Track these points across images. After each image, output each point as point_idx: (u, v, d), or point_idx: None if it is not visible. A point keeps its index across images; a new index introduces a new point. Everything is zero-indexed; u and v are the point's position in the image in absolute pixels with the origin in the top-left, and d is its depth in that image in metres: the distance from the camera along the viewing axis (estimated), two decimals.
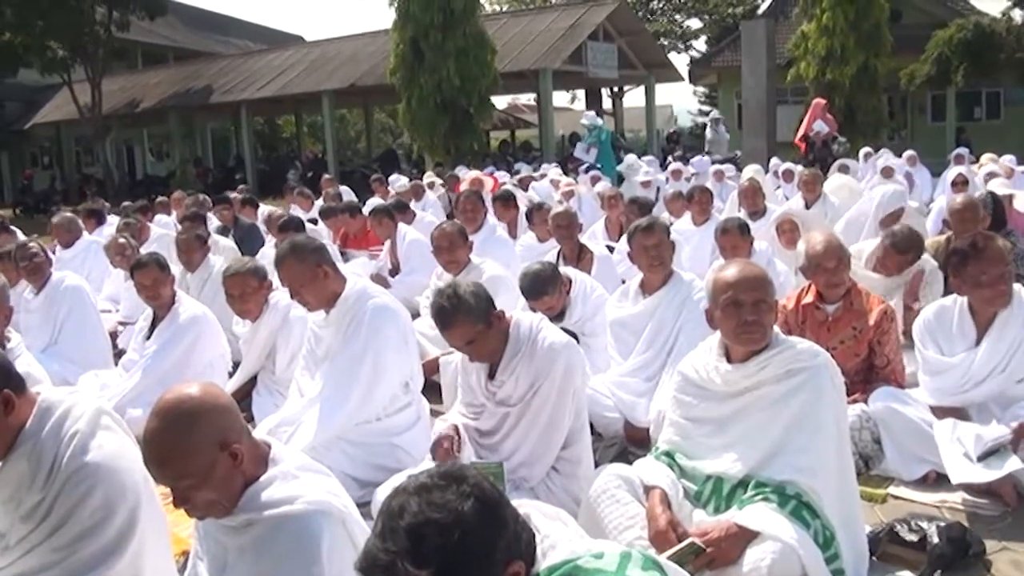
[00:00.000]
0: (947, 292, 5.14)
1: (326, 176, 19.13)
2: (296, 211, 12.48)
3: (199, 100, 32.69)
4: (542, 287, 5.02)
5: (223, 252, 8.59)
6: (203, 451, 2.30)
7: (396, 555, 1.74)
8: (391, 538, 1.76)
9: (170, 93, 33.63)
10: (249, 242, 9.24)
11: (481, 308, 3.62)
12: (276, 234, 7.80)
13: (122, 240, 7.97)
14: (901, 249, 5.69)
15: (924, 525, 3.42)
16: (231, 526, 2.42)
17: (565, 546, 1.97)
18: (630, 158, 16.64)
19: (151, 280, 5.49)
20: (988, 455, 3.87)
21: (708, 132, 23.92)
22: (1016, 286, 4.23)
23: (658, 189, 14.14)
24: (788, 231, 7.21)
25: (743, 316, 3.08)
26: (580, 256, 6.66)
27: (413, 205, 12.26)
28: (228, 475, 2.35)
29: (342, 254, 8.91)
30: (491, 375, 3.81)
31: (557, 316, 5.10)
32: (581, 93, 41.28)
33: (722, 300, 3.13)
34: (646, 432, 4.61)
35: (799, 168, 13.00)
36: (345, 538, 2.40)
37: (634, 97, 37.92)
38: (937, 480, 4.12)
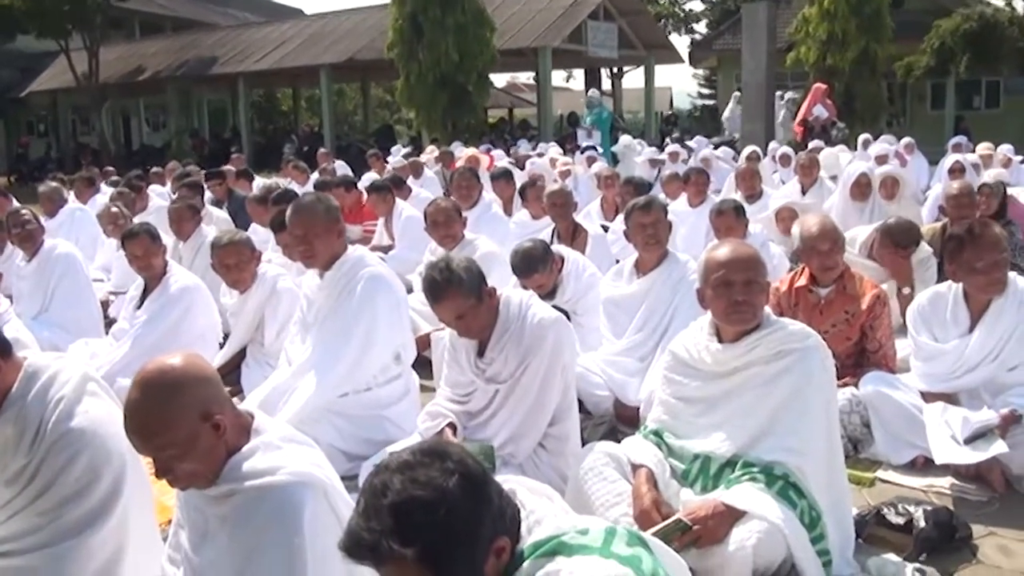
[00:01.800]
0: (941, 279, 5.13)
1: (322, 150, 19.07)
2: (292, 184, 12.43)
3: (197, 71, 32.49)
4: (532, 265, 5.01)
5: (217, 224, 8.56)
6: (185, 422, 2.28)
7: (380, 534, 1.73)
8: (375, 517, 1.75)
9: (167, 63, 33.41)
10: (243, 215, 9.18)
11: (473, 283, 3.60)
12: (270, 207, 7.74)
13: (115, 209, 7.94)
14: (901, 244, 5.69)
15: (911, 509, 3.43)
16: (212, 496, 2.40)
17: (550, 522, 1.96)
18: (625, 139, 16.60)
19: (142, 250, 5.46)
20: (975, 438, 3.87)
21: (729, 108, 23.33)
22: (1012, 275, 4.23)
23: (657, 171, 14.11)
24: (786, 219, 7.22)
25: (733, 296, 3.08)
26: (575, 235, 6.64)
27: (411, 182, 12.22)
28: (210, 446, 2.33)
29: None
30: (480, 353, 3.80)
31: (548, 294, 5.10)
32: (579, 73, 41.13)
33: (713, 279, 3.12)
34: (636, 411, 4.62)
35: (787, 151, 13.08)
36: (327, 510, 2.39)
37: (633, 78, 37.78)
38: (925, 465, 4.12)
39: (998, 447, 3.81)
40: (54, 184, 10.05)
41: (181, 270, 5.73)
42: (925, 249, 5.80)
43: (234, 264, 5.33)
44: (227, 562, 2.37)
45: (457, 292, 3.57)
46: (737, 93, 23.42)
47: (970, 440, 3.88)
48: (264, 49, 31.80)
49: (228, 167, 13.49)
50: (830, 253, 4.63)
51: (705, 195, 8.69)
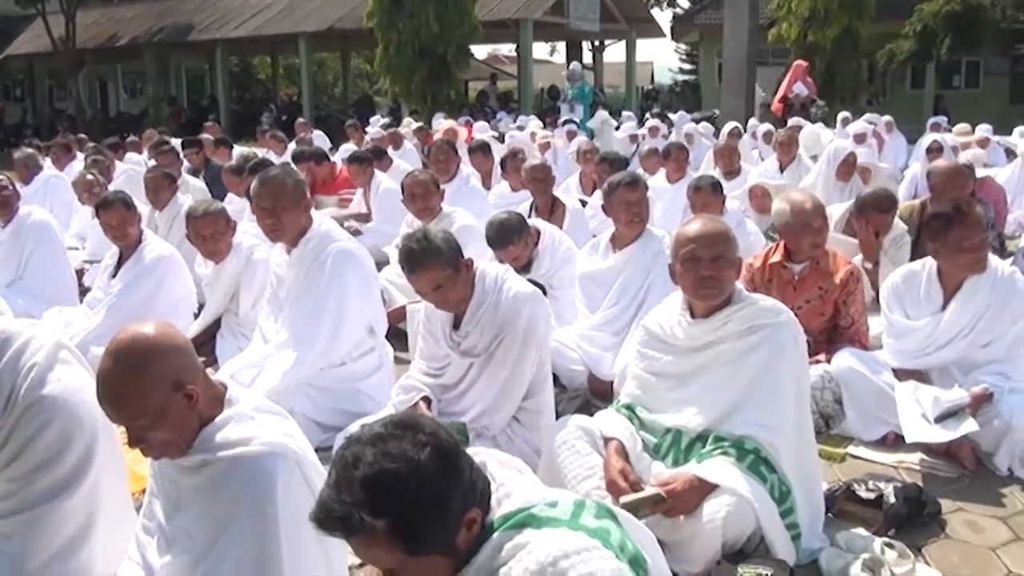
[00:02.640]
0: (916, 256, 5.17)
1: (300, 120, 18.91)
2: (269, 154, 12.35)
3: (175, 37, 32.12)
4: (507, 237, 5.01)
5: (193, 192, 8.49)
6: (157, 391, 2.27)
7: (352, 506, 1.73)
8: (346, 489, 1.75)
9: (145, 29, 32.99)
10: (220, 184, 9.11)
11: (450, 254, 3.58)
12: (246, 177, 7.68)
13: (90, 177, 7.85)
14: (883, 208, 5.70)
15: (881, 485, 3.46)
16: (186, 466, 2.41)
17: (520, 494, 1.97)
18: (602, 114, 16.59)
19: (117, 220, 5.42)
20: (945, 417, 3.91)
21: None
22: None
23: (636, 145, 14.11)
24: (759, 196, 7.24)
25: (701, 271, 3.12)
26: (553, 209, 6.63)
27: (390, 152, 12.16)
28: (183, 416, 2.33)
29: (312, 197, 8.78)
30: (455, 326, 3.79)
31: (523, 268, 5.10)
32: (561, 46, 41.00)
33: (682, 255, 3.16)
34: (610, 385, 4.63)
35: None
36: (300, 480, 2.39)
37: (614, 52, 37.61)
38: (896, 441, 4.16)
39: (968, 426, 3.85)
40: (29, 150, 9.96)
41: (156, 239, 5.69)
42: (900, 226, 5.83)
43: (209, 235, 5.29)
44: (200, 531, 2.38)
45: (434, 263, 3.55)
46: None
47: (940, 419, 3.92)
48: (243, 16, 31.47)
49: (206, 136, 13.37)
50: (821, 230, 4.66)
51: (684, 171, 8.69)
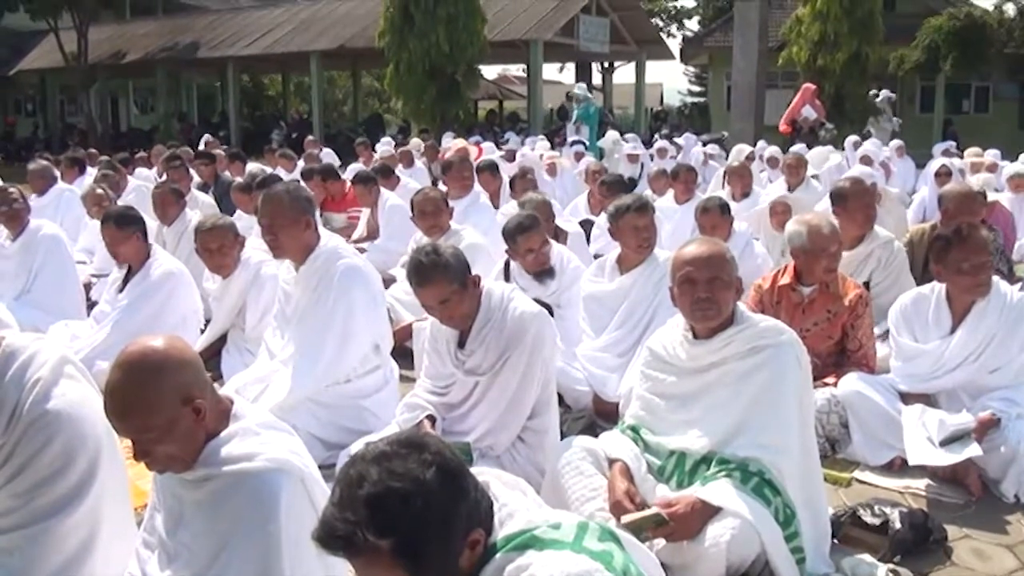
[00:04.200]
0: (922, 282, 5.15)
1: (309, 137, 19.03)
2: (278, 171, 12.41)
3: (186, 54, 32.26)
4: (523, 226, 5.07)
5: (202, 208, 8.52)
6: (166, 405, 2.27)
7: (356, 525, 1.72)
8: (350, 507, 1.74)
9: (157, 45, 33.17)
10: (229, 200, 9.16)
11: (459, 269, 3.59)
12: (254, 194, 7.71)
13: (99, 191, 7.90)
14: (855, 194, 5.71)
15: (887, 510, 3.45)
16: (189, 480, 2.41)
17: (523, 515, 1.96)
18: (612, 135, 16.62)
19: (108, 238, 5.47)
20: (950, 441, 3.90)
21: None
22: (995, 279, 4.27)
23: (642, 166, 14.14)
24: (781, 213, 7.18)
25: (697, 293, 3.13)
26: (555, 237, 6.60)
27: (402, 171, 12.20)
28: (190, 430, 2.33)
29: (321, 215, 8.82)
30: (461, 344, 3.79)
31: (547, 272, 5.14)
32: (571, 66, 41.07)
33: (679, 277, 3.19)
34: (615, 407, 4.62)
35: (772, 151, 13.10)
36: (304, 497, 2.39)
37: (624, 74, 37.70)
38: (902, 466, 4.14)
39: (972, 450, 3.84)
40: (44, 162, 9.98)
41: (165, 255, 5.70)
42: (893, 243, 5.77)
43: (217, 248, 5.31)
44: (202, 547, 2.38)
45: (442, 277, 3.56)
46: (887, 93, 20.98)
47: (946, 442, 3.91)
48: (254, 34, 31.63)
49: (218, 151, 13.44)
50: (837, 254, 4.67)
51: (693, 193, 8.69)
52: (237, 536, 2.30)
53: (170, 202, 7.04)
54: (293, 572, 2.32)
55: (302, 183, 10.23)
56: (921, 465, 4.06)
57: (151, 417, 2.26)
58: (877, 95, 19.70)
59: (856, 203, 5.66)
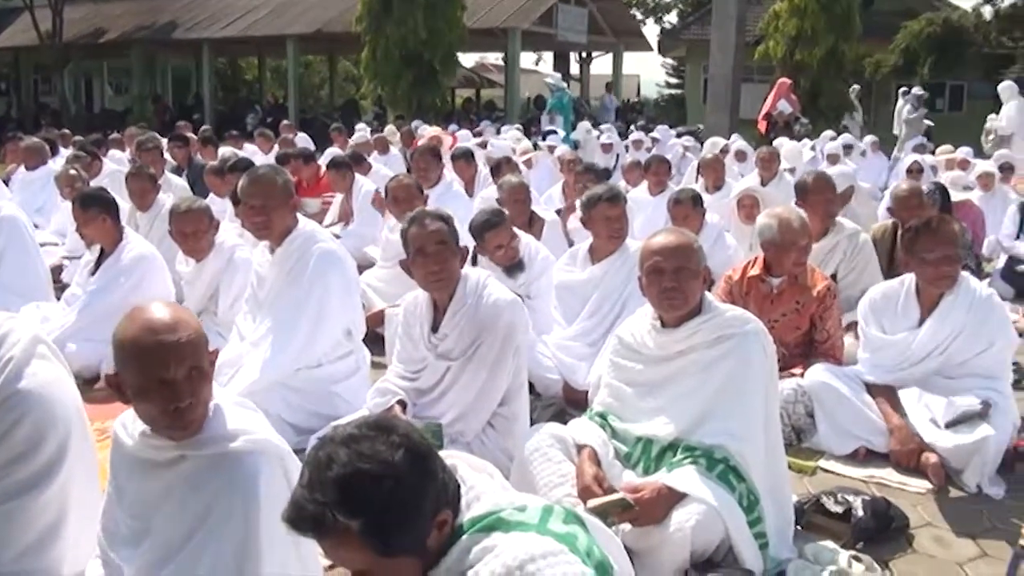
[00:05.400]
0: (887, 277, 5.23)
1: (284, 122, 18.90)
2: (256, 153, 12.41)
3: (162, 35, 31.96)
4: (490, 222, 5.10)
5: (175, 191, 8.46)
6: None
7: (325, 506, 1.74)
8: (320, 488, 1.76)
9: (133, 26, 32.80)
10: (202, 183, 9.10)
11: (454, 231, 3.72)
12: (227, 177, 7.68)
13: (72, 172, 7.83)
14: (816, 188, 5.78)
15: (850, 498, 3.50)
16: (158, 461, 2.39)
17: (489, 497, 1.99)
18: (584, 125, 16.66)
19: (76, 219, 5.47)
20: (957, 423, 3.98)
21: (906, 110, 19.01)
22: (965, 274, 4.33)
23: (617, 157, 14.17)
24: (748, 206, 7.22)
25: (664, 283, 3.17)
26: (531, 224, 6.63)
27: (376, 158, 12.15)
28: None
29: None
30: (434, 328, 3.81)
31: (516, 266, 5.17)
32: (549, 55, 41.06)
33: (647, 267, 3.23)
34: (584, 395, 4.63)
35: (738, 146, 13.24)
36: (282, 478, 2.38)
37: (602, 64, 37.72)
38: (867, 456, 4.22)
39: (983, 430, 3.91)
40: (37, 140, 10.03)
41: (137, 239, 5.66)
42: (860, 234, 5.85)
43: (191, 232, 5.27)
44: (175, 528, 2.35)
45: (445, 225, 3.68)
46: (918, 91, 19.70)
47: (951, 424, 3.99)
48: (231, 16, 31.38)
49: (189, 134, 13.35)
50: (807, 247, 4.74)
51: (665, 184, 8.72)
52: (214, 518, 2.29)
53: (146, 190, 6.95)
54: (271, 555, 2.32)
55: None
56: (884, 454, 4.16)
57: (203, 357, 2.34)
58: (907, 92, 19.44)
59: (816, 196, 5.75)
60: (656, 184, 8.68)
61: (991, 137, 15.60)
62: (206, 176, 8.71)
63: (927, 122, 18.27)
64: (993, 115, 17.11)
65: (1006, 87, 16.97)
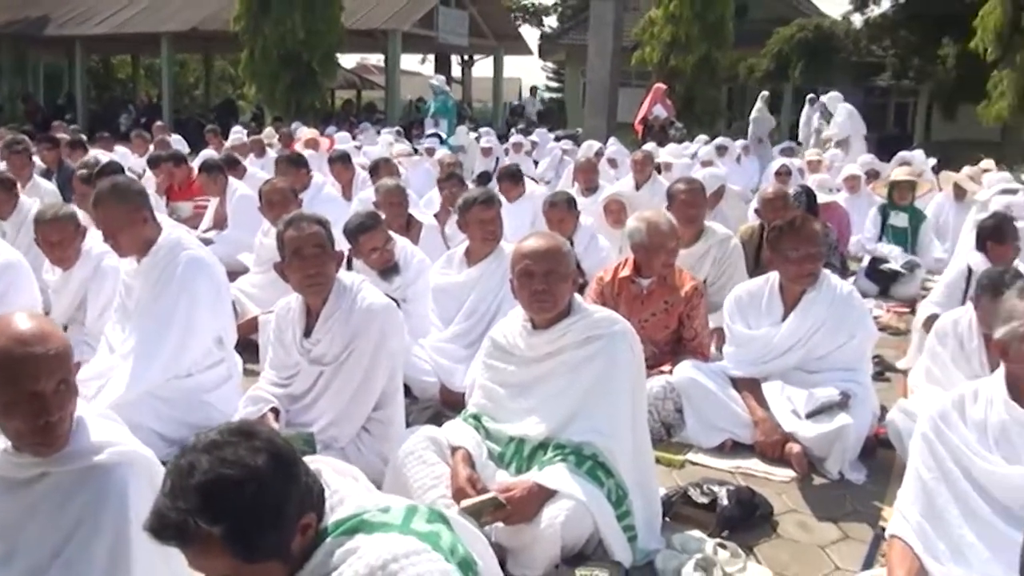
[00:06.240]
0: (759, 274, 5.41)
1: (158, 123, 18.42)
2: (129, 154, 12.10)
3: (32, 31, 30.60)
4: (368, 224, 5.13)
5: (44, 196, 8.16)
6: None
7: (187, 513, 1.72)
8: (182, 496, 1.74)
9: (2, 20, 31.19)
10: (72, 187, 8.80)
11: (329, 234, 3.72)
12: (96, 181, 7.43)
13: None
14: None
15: (715, 488, 3.63)
16: (19, 480, 2.31)
17: (353, 500, 2.00)
18: (461, 129, 16.77)
19: None
20: (817, 413, 4.17)
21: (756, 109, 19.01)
22: (826, 272, 4.54)
23: (497, 160, 14.28)
24: (615, 211, 7.37)
25: (534, 286, 3.23)
26: (408, 227, 6.64)
27: (254, 161, 11.96)
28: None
29: (167, 204, 8.65)
30: (307, 333, 3.80)
31: (392, 269, 5.18)
32: (431, 57, 40.98)
33: (518, 270, 3.28)
34: (461, 397, 4.67)
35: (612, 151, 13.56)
36: (151, 490, 2.31)
37: (483, 68, 37.85)
38: (733, 448, 4.38)
39: (842, 419, 4.09)
40: None
41: (3, 245, 5.44)
42: (731, 239, 6.05)
43: (57, 241, 5.07)
44: (44, 543, 2.27)
45: (322, 228, 3.68)
46: (765, 93, 20.12)
47: (812, 415, 4.18)
48: (104, 13, 30.30)
49: (62, 135, 12.91)
50: (676, 249, 4.89)
51: (522, 190, 8.70)
52: (82, 534, 2.23)
53: (4, 199, 6.66)
54: (141, 567, 2.27)
55: (150, 171, 10.02)
56: (749, 445, 4.33)
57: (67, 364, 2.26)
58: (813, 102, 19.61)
59: (676, 203, 5.89)
60: (509, 191, 8.52)
61: (828, 145, 16.28)
62: (73, 181, 8.42)
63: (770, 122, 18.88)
64: (824, 123, 17.88)
65: (832, 97, 17.83)
